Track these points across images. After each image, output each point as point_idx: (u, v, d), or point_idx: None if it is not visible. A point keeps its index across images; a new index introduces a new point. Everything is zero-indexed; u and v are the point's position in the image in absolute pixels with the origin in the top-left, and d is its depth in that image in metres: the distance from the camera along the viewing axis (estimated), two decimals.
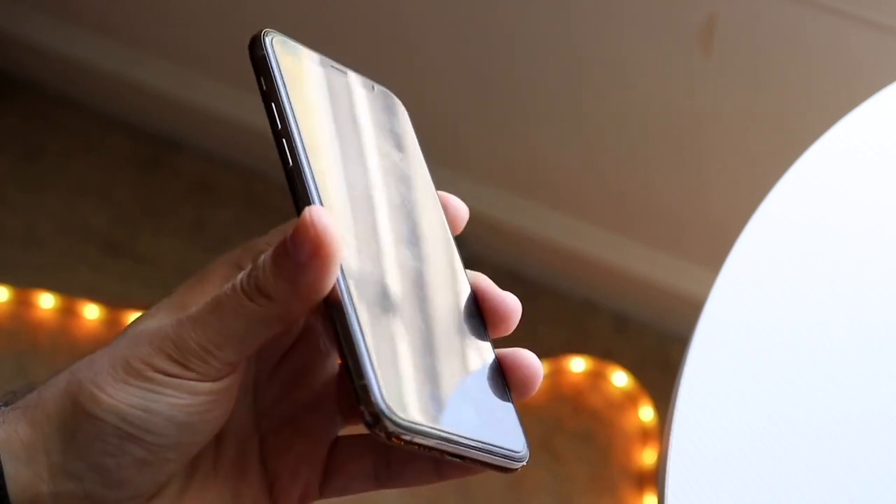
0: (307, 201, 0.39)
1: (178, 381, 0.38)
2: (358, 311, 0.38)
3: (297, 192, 0.39)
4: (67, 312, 1.32)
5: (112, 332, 1.30)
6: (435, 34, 1.24)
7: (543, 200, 1.35)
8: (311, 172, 0.39)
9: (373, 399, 0.37)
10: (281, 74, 0.44)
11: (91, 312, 1.32)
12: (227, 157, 1.46)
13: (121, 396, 0.38)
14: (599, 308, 1.38)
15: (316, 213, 0.37)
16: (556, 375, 1.31)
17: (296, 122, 0.41)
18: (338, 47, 1.32)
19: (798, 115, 1.09)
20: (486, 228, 1.35)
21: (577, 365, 1.31)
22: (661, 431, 1.27)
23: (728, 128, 1.16)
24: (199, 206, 1.42)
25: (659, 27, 1.10)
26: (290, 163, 0.39)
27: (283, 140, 0.40)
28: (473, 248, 1.37)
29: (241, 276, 0.38)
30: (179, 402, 0.38)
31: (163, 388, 0.38)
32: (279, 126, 0.41)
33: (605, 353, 1.33)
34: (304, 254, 0.37)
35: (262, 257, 0.38)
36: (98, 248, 1.39)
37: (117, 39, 1.47)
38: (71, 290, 1.33)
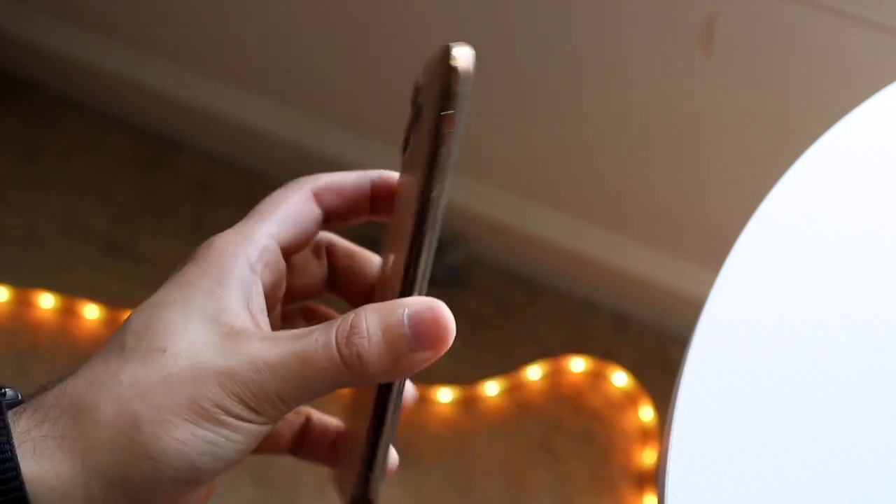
0: (422, 289, 0.39)
1: (247, 426, 0.38)
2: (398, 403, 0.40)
3: (417, 269, 0.38)
4: (67, 312, 1.32)
5: (112, 332, 1.30)
6: (435, 34, 1.24)
7: (543, 200, 1.35)
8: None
9: (370, 494, 0.40)
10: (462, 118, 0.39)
11: (91, 312, 1.32)
12: (227, 157, 1.46)
13: (189, 440, 0.37)
14: (599, 308, 1.38)
15: (447, 313, 0.38)
16: (556, 375, 1.31)
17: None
18: (338, 48, 1.32)
19: (798, 115, 1.09)
20: (486, 228, 1.35)
21: (577, 365, 1.31)
22: (661, 431, 1.27)
23: (728, 128, 1.16)
24: (199, 206, 1.42)
25: (659, 27, 1.10)
26: (428, 234, 0.38)
27: (439, 207, 0.38)
28: (473, 248, 1.37)
29: (334, 334, 0.38)
30: (241, 447, 0.38)
31: (231, 432, 0.37)
32: (442, 188, 0.38)
33: (605, 353, 1.33)
34: (424, 344, 0.38)
35: (365, 324, 0.38)
36: (98, 248, 1.39)
37: (117, 39, 1.46)
38: (71, 290, 1.33)
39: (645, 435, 1.28)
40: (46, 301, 1.32)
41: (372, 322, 0.38)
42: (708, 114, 1.16)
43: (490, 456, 1.26)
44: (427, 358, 0.38)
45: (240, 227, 0.43)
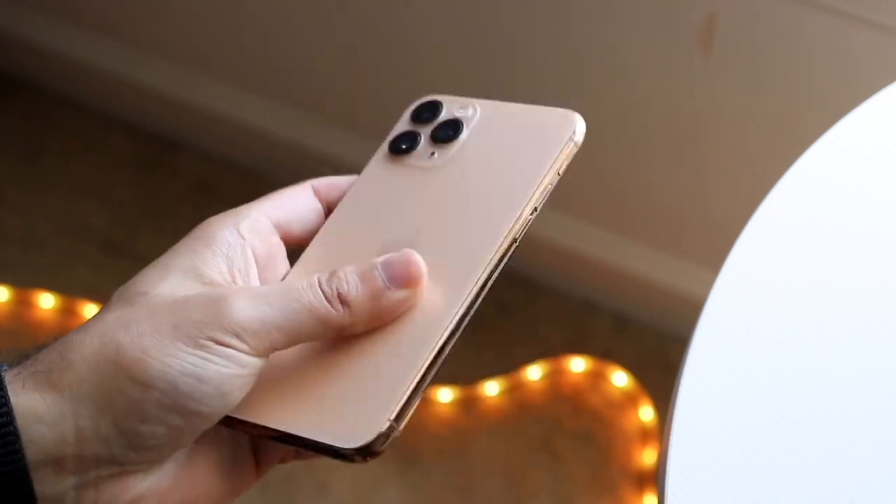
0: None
1: (230, 351, 0.39)
2: None
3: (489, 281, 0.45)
4: (67, 312, 1.32)
5: None
6: (435, 34, 1.24)
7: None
8: None
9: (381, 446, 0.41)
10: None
11: (91, 312, 1.32)
12: (227, 157, 1.46)
13: (172, 362, 0.38)
14: (599, 308, 1.37)
15: (417, 257, 0.42)
16: (556, 375, 1.31)
17: None
18: (338, 48, 1.32)
19: (798, 115, 1.09)
20: None
21: (577, 365, 1.31)
22: (661, 431, 1.27)
23: (728, 128, 1.16)
24: (199, 206, 1.42)
25: (659, 27, 1.10)
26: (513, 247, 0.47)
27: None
28: None
29: (317, 277, 0.41)
30: (227, 371, 0.38)
31: (214, 356, 0.38)
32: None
33: (605, 353, 1.33)
34: (397, 283, 0.41)
35: (343, 271, 0.41)
36: (98, 248, 1.39)
37: (117, 39, 1.47)
38: (71, 290, 1.33)
39: (645, 435, 1.28)
40: (46, 301, 1.32)
41: (349, 270, 0.42)
42: (708, 114, 1.16)
43: (490, 456, 1.26)
44: (404, 298, 0.41)
45: (234, 209, 0.45)
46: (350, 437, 0.40)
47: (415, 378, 0.41)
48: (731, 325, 0.54)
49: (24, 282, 1.33)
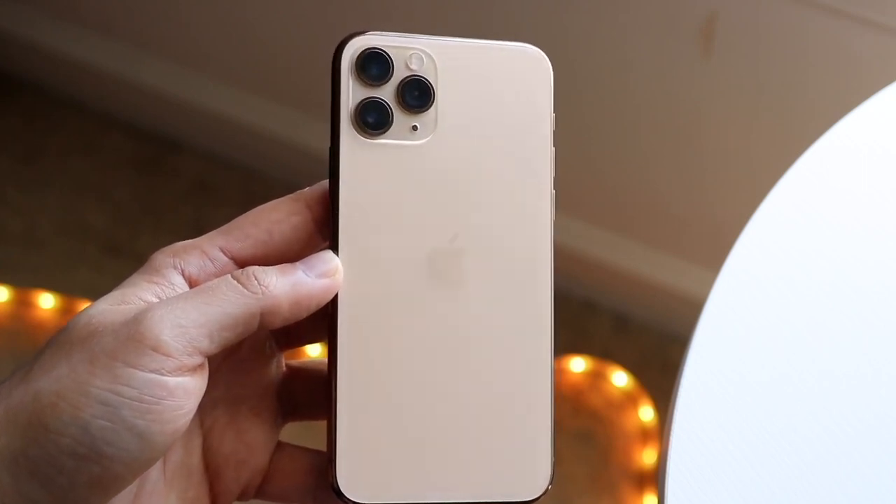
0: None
1: (150, 376, 0.36)
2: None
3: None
4: (67, 312, 1.32)
5: None
6: (435, 34, 1.24)
7: None
8: None
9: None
10: None
11: None
12: (227, 157, 1.46)
13: (83, 403, 0.35)
14: (599, 308, 1.38)
15: (335, 258, 0.40)
16: (556, 375, 1.31)
17: None
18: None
19: (798, 115, 1.09)
20: None
21: (577, 365, 1.31)
22: (661, 431, 1.27)
23: (728, 128, 1.16)
24: (199, 206, 1.42)
25: (659, 27, 1.10)
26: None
27: None
28: None
29: (230, 274, 0.39)
30: (135, 404, 0.36)
31: (133, 389, 0.36)
32: None
33: (605, 353, 1.33)
34: (314, 269, 0.40)
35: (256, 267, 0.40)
36: (98, 248, 1.39)
37: (117, 39, 1.47)
38: (71, 290, 1.33)
39: (645, 435, 1.28)
40: (46, 301, 1.32)
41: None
42: (708, 114, 1.16)
43: None
44: (323, 287, 0.40)
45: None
46: (528, 486, 0.41)
47: (550, 404, 0.41)
48: (731, 325, 0.54)
49: (24, 282, 1.33)
